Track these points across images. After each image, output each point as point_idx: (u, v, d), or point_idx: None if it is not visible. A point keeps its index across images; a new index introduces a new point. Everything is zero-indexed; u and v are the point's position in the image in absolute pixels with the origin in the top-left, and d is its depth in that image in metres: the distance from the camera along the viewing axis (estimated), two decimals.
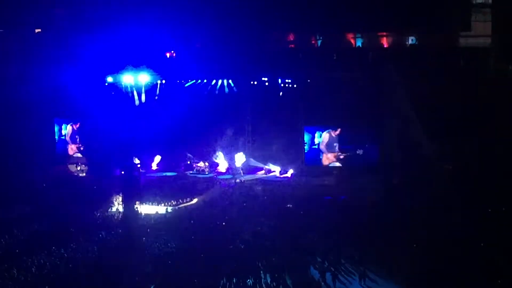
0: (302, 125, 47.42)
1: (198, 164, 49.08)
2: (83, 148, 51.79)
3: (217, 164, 49.24)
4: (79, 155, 51.99)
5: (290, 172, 47.24)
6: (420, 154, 42.12)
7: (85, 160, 50.88)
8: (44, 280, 28.52)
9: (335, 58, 46.72)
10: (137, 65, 47.26)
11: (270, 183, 45.63)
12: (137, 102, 48.83)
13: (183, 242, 33.08)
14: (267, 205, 39.57)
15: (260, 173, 48.10)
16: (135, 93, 48.60)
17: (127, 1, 46.87)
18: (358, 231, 33.47)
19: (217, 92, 48.87)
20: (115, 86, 48.13)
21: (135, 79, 47.74)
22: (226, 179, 46.69)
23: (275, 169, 47.98)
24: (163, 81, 49.09)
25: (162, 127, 49.69)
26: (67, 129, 52.50)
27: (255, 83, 47.76)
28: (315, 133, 47.67)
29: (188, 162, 49.54)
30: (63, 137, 52.44)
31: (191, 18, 48.67)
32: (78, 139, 52.08)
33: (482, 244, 30.05)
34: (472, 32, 45.29)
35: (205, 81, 48.74)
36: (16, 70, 50.75)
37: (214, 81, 48.57)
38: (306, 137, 47.59)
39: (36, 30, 51.42)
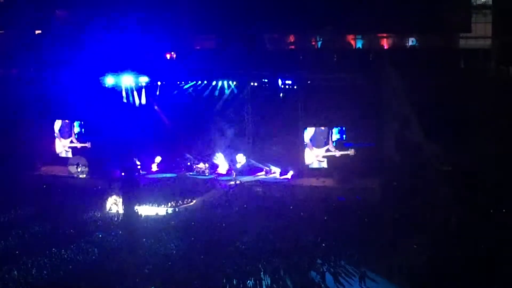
0: (302, 126, 47.37)
1: (198, 166, 49.04)
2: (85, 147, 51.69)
3: (217, 166, 49.19)
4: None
5: (290, 173, 47.18)
6: (420, 155, 42.09)
7: (84, 161, 50.83)
8: (44, 281, 28.55)
9: (335, 59, 46.73)
10: (136, 66, 47.24)
11: (270, 184, 45.57)
12: (137, 103, 48.81)
13: (183, 243, 33.10)
14: (267, 206, 39.53)
15: (260, 174, 48.03)
16: (135, 94, 48.58)
17: (126, 2, 46.91)
18: (358, 232, 33.45)
19: (217, 93, 48.84)
20: (115, 88, 48.06)
21: (135, 81, 47.73)
22: (226, 180, 46.64)
23: (275, 170, 47.92)
24: (163, 83, 49.07)
25: (162, 128, 49.72)
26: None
27: (255, 84, 47.75)
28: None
29: (188, 164, 49.49)
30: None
31: (191, 20, 48.73)
32: (73, 133, 51.99)
33: (481, 245, 30.01)
34: (472, 33, 45.32)
35: (205, 82, 48.70)
36: (16, 71, 50.92)
37: (214, 82, 48.54)
38: None
39: (36, 32, 51.51)
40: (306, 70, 46.09)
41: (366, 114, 44.87)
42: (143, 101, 49.15)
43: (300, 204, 39.56)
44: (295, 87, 46.91)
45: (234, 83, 48.30)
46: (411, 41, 47.31)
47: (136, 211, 37.60)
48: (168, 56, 50.83)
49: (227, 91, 48.63)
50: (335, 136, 47.20)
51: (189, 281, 28.08)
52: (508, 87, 41.83)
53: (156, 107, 49.79)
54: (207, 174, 48.50)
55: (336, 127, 46.97)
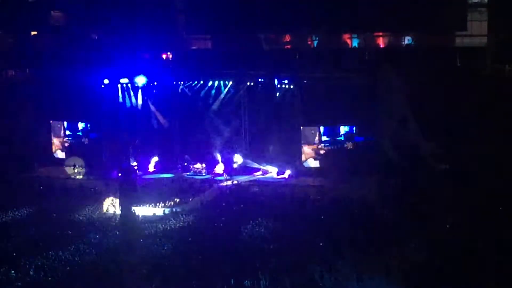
0: (299, 125, 47.39)
1: (195, 166, 49.00)
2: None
3: (214, 165, 49.15)
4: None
5: (287, 173, 47.19)
6: (417, 154, 42.13)
7: (81, 162, 50.77)
8: (41, 282, 28.50)
9: (331, 58, 46.74)
10: (132, 66, 47.23)
11: (267, 184, 45.59)
12: (133, 104, 48.80)
13: (180, 244, 33.07)
14: (264, 206, 39.51)
15: (257, 174, 48.03)
16: (131, 94, 48.57)
17: (122, 2, 46.90)
18: (357, 232, 33.43)
19: (213, 93, 48.83)
20: (110, 88, 48.05)
21: (131, 81, 47.71)
22: (223, 180, 46.61)
23: (272, 170, 47.93)
24: (159, 83, 49.04)
25: (158, 128, 49.71)
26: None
27: (252, 84, 47.75)
28: None
29: (185, 164, 49.46)
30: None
31: (187, 20, 48.78)
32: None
33: (481, 245, 30.01)
34: (468, 31, 45.38)
35: (201, 82, 48.69)
36: (12, 71, 50.89)
37: (210, 82, 48.52)
38: None
39: (32, 33, 51.48)
40: (302, 70, 46.14)
41: (362, 112, 44.92)
42: (139, 101, 49.14)
43: (297, 204, 39.53)
44: (291, 86, 46.93)
45: (230, 83, 48.30)
46: (407, 40, 47.39)
47: (133, 211, 37.56)
48: (164, 56, 50.82)
49: (223, 91, 48.62)
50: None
51: (187, 281, 28.06)
52: (504, 85, 41.89)
53: (152, 107, 49.76)
54: (204, 174, 48.47)
55: (333, 125, 47.03)
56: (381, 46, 47.33)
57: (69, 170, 48.97)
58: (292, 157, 47.54)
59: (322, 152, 47.44)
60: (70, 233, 35.01)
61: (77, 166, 49.50)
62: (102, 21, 47.41)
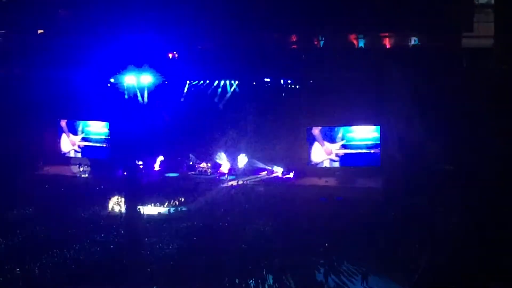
0: (305, 125, 47.38)
1: (201, 165, 49.08)
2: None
3: (220, 165, 49.20)
4: (78, 153, 51.91)
5: (292, 173, 47.21)
6: (421, 154, 42.08)
7: (87, 161, 50.94)
8: (47, 280, 28.60)
9: (337, 58, 46.69)
10: (139, 66, 47.27)
11: (272, 184, 45.61)
12: (139, 103, 48.85)
13: (185, 243, 33.13)
14: (269, 206, 39.53)
15: (263, 174, 48.06)
16: (137, 93, 48.61)
17: (130, 2, 46.95)
18: (360, 231, 33.45)
19: (219, 93, 48.89)
20: (117, 87, 48.12)
21: (137, 80, 47.76)
22: (228, 180, 46.63)
23: (278, 170, 47.94)
24: (165, 82, 49.11)
25: (164, 127, 49.76)
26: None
27: (257, 84, 47.75)
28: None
29: (190, 163, 49.53)
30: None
31: (194, 20, 48.73)
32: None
33: (483, 244, 29.99)
34: (475, 33, 45.25)
35: (207, 82, 48.75)
36: (20, 71, 50.97)
37: (216, 82, 48.57)
38: None
39: (39, 31, 51.58)
40: (308, 70, 46.11)
41: (368, 113, 44.91)
42: (145, 100, 49.19)
43: (302, 204, 39.52)
44: (297, 86, 46.92)
45: (236, 82, 48.34)
46: (413, 41, 47.29)
47: (139, 210, 37.69)
48: (170, 56, 50.86)
49: (229, 91, 48.66)
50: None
51: (191, 281, 28.12)
52: (510, 86, 41.76)
53: (158, 106, 49.84)
54: (209, 174, 48.53)
55: (338, 126, 47.00)
56: (387, 47, 47.23)
57: (74, 168, 49.09)
58: (297, 157, 47.51)
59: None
60: (75, 231, 35.09)
61: (82, 164, 49.70)
62: (110, 21, 47.45)
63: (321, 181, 44.85)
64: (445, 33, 45.26)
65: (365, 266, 29.18)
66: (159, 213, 38.99)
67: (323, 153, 47.26)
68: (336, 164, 46.98)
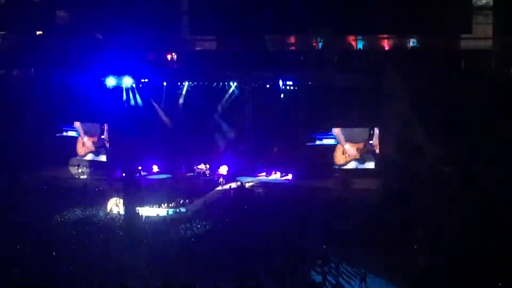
0: (304, 127, 47.36)
1: (199, 166, 49.02)
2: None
3: (218, 166, 49.14)
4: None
5: (291, 174, 47.22)
6: (421, 156, 42.09)
7: (85, 162, 50.89)
8: (45, 282, 28.53)
9: (336, 60, 46.74)
10: (137, 67, 47.25)
11: (271, 185, 45.59)
12: (138, 104, 48.86)
13: (183, 245, 33.09)
14: (268, 208, 39.49)
15: (261, 175, 48.03)
16: (136, 95, 48.63)
17: (126, 3, 46.95)
18: (359, 233, 33.43)
19: (218, 94, 48.84)
20: (115, 89, 48.07)
21: (135, 82, 47.77)
22: (226, 181, 46.58)
23: (277, 172, 47.93)
24: (164, 83, 49.10)
25: (162, 129, 49.75)
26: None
27: (256, 85, 47.73)
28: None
29: (189, 164, 49.38)
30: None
31: (192, 20, 48.77)
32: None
33: (482, 245, 30.00)
34: (473, 34, 45.30)
35: (206, 83, 48.70)
36: (17, 71, 50.96)
37: (215, 84, 48.52)
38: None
39: (38, 32, 51.58)
40: (307, 71, 46.12)
41: (367, 115, 44.92)
42: (144, 102, 49.19)
43: (302, 205, 39.49)
44: (295, 88, 46.91)
45: (235, 84, 48.31)
46: (412, 42, 47.33)
47: (137, 212, 37.65)
48: (169, 57, 50.85)
49: (228, 92, 48.64)
50: None
51: (190, 282, 28.08)
52: (509, 88, 41.81)
53: (156, 108, 49.84)
54: (207, 175, 48.48)
55: (337, 127, 46.98)
56: (386, 48, 47.27)
57: (73, 170, 49.03)
58: (296, 159, 47.50)
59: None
60: (73, 233, 35.05)
61: (81, 166, 49.64)
62: (107, 22, 47.44)
63: (320, 183, 44.75)
64: (444, 35, 45.33)
65: (364, 269, 29.12)
66: (157, 214, 38.94)
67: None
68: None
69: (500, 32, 43.81)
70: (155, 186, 45.34)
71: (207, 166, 48.87)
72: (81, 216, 38.19)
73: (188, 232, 35.01)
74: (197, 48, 51.18)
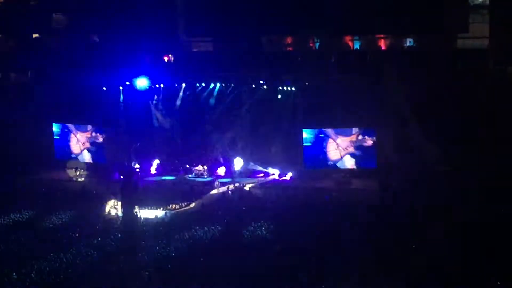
0: (301, 127, 47.36)
1: (197, 168, 48.95)
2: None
3: (216, 168, 49.13)
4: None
5: (289, 175, 47.21)
6: (418, 156, 42.16)
7: (83, 165, 50.74)
8: (43, 284, 28.48)
9: (333, 60, 46.80)
10: (134, 69, 47.24)
11: (269, 186, 45.58)
12: (135, 106, 48.82)
13: (182, 246, 33.06)
14: (266, 209, 39.47)
15: (259, 177, 48.01)
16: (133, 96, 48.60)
17: (123, 5, 46.98)
18: (357, 234, 33.41)
19: (215, 95, 48.86)
20: (113, 90, 48.06)
21: (133, 83, 47.71)
22: (224, 182, 46.56)
23: (274, 172, 47.92)
24: (161, 85, 49.08)
25: (160, 130, 49.74)
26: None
27: (253, 86, 47.75)
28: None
29: (187, 166, 49.22)
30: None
31: (189, 22, 48.79)
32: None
33: (483, 246, 30.01)
34: (470, 33, 45.38)
35: (203, 84, 48.72)
36: (13, 74, 50.95)
37: (212, 85, 48.53)
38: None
39: (34, 35, 51.61)
40: (304, 72, 46.15)
41: (364, 115, 44.94)
42: (141, 103, 49.15)
43: (300, 206, 39.48)
44: (293, 88, 46.92)
45: (232, 85, 48.30)
46: (408, 42, 47.42)
47: (135, 214, 37.56)
48: (166, 58, 50.86)
49: (225, 94, 48.63)
50: None
51: (188, 284, 28.05)
52: (505, 87, 41.89)
53: (154, 110, 49.84)
54: (206, 177, 48.44)
55: (334, 128, 46.98)
56: (383, 48, 47.34)
57: (70, 172, 48.95)
58: (294, 159, 47.51)
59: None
60: (71, 235, 34.99)
61: (78, 168, 49.51)
62: (104, 24, 47.46)
63: (318, 183, 44.74)
64: (441, 34, 45.41)
65: (362, 270, 29.09)
66: (156, 216, 38.90)
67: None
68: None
69: (496, 31, 43.88)
70: (153, 188, 45.27)
71: (205, 167, 48.81)
72: (79, 218, 38.14)
73: (186, 234, 34.97)
74: (194, 50, 51.24)
